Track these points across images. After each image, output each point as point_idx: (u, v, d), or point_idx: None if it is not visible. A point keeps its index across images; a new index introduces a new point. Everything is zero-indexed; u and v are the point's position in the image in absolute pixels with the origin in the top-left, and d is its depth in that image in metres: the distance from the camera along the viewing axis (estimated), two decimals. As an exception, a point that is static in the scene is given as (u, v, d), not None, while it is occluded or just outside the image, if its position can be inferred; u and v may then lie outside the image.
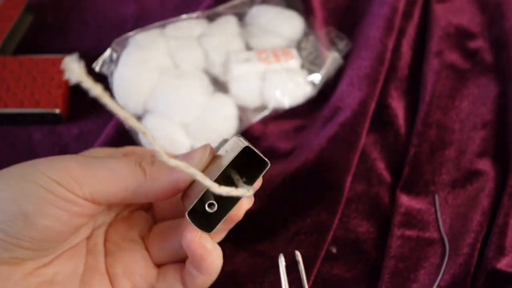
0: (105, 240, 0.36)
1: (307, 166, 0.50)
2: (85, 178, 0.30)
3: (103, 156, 0.35)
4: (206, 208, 0.30)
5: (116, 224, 0.37)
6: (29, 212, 0.29)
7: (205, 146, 0.31)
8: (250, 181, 0.32)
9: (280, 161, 0.51)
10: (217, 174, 0.30)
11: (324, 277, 0.46)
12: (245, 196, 0.31)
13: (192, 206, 0.31)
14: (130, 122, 0.25)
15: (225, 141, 0.33)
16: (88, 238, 0.35)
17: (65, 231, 0.31)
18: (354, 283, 0.46)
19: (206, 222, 0.32)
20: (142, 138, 0.50)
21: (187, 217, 0.31)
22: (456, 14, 0.61)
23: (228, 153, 0.31)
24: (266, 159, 0.31)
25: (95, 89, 0.23)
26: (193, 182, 0.31)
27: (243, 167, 0.33)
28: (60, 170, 0.29)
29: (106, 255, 0.35)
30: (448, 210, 0.49)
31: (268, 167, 0.31)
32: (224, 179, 0.32)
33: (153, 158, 0.35)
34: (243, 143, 0.31)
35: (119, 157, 0.35)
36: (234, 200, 0.32)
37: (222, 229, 0.34)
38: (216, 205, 0.31)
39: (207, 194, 0.31)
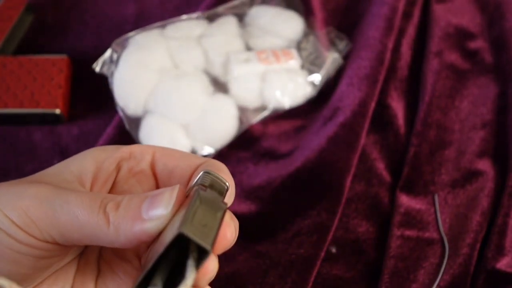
0: (99, 257, 0.32)
1: (307, 166, 0.50)
2: (46, 221, 0.27)
3: (74, 183, 0.30)
4: None
5: None
6: None
7: (173, 189, 0.27)
8: (197, 264, 0.25)
9: (280, 162, 0.51)
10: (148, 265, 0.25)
11: (324, 277, 0.46)
12: None
13: (136, 286, 0.25)
14: None
15: (205, 174, 0.28)
16: (81, 254, 0.32)
17: (33, 273, 0.28)
18: (353, 283, 0.46)
19: None
20: (141, 139, 0.50)
21: None
22: (456, 14, 0.61)
23: (169, 233, 0.25)
24: (205, 247, 0.24)
25: None
26: (158, 237, 0.27)
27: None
28: (19, 209, 0.27)
29: (98, 275, 0.31)
30: (448, 210, 0.49)
31: (208, 257, 0.24)
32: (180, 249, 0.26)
33: (146, 160, 0.31)
34: (180, 226, 0.24)
35: (102, 180, 0.30)
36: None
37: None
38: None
39: (155, 271, 0.25)
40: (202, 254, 0.25)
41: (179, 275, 0.25)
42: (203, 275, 0.26)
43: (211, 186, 0.27)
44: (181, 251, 0.25)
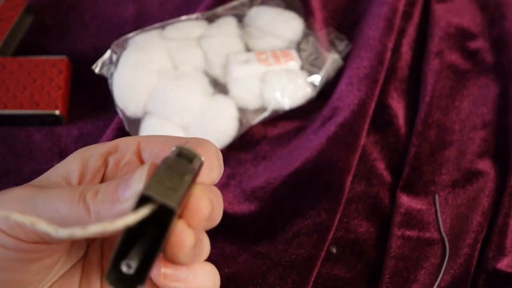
0: (102, 257, 0.32)
1: (307, 166, 0.49)
2: None
3: (61, 183, 0.29)
4: (123, 269, 0.24)
5: (112, 237, 0.32)
6: None
7: (144, 165, 0.26)
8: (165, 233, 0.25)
9: (280, 162, 0.51)
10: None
11: (324, 277, 0.46)
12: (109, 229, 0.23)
13: (109, 269, 0.25)
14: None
15: (175, 147, 0.28)
16: (85, 257, 0.32)
17: (28, 278, 0.28)
18: (354, 283, 0.46)
19: (130, 281, 0.25)
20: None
21: (106, 281, 0.25)
22: (456, 14, 0.61)
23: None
24: (169, 204, 0.24)
25: None
26: None
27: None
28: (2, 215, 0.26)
29: (102, 274, 0.31)
30: (448, 210, 0.49)
31: (174, 216, 0.24)
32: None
33: (134, 152, 0.31)
34: (143, 189, 0.24)
35: (76, 177, 0.30)
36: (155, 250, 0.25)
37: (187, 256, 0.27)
38: (134, 264, 0.24)
39: (123, 248, 0.25)
40: (170, 217, 0.24)
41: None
42: (178, 247, 0.25)
43: (179, 155, 0.27)
44: (161, 227, 0.25)
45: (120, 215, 0.25)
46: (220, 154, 0.30)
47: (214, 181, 0.29)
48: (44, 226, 0.23)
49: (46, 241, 0.27)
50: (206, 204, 0.26)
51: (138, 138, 0.31)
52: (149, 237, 0.25)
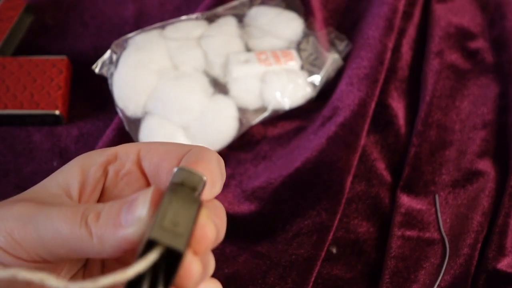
0: (103, 267, 0.32)
1: (307, 166, 0.49)
2: (31, 241, 0.26)
3: (62, 196, 0.29)
4: None
5: None
6: None
7: (147, 191, 0.26)
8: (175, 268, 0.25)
9: (280, 162, 0.51)
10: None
11: (324, 277, 0.46)
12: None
13: None
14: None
15: (178, 170, 0.27)
16: (85, 266, 0.31)
17: None
18: (354, 283, 0.46)
19: None
20: (141, 140, 0.50)
21: None
22: (456, 14, 0.61)
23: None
24: (177, 248, 0.24)
25: None
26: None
27: None
28: (3, 232, 0.26)
29: None
30: (449, 210, 0.49)
31: (182, 258, 0.24)
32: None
33: (129, 166, 0.31)
34: (149, 231, 0.24)
35: (76, 195, 0.29)
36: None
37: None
38: None
39: (131, 285, 0.24)
40: (179, 256, 0.24)
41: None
42: (187, 278, 0.25)
43: (182, 183, 0.26)
44: (168, 262, 0.25)
45: (123, 239, 0.25)
46: (222, 163, 0.29)
47: (216, 194, 0.29)
48: (54, 283, 0.23)
49: (46, 260, 0.27)
50: (212, 230, 0.26)
51: (138, 145, 0.31)
52: (156, 270, 0.25)
